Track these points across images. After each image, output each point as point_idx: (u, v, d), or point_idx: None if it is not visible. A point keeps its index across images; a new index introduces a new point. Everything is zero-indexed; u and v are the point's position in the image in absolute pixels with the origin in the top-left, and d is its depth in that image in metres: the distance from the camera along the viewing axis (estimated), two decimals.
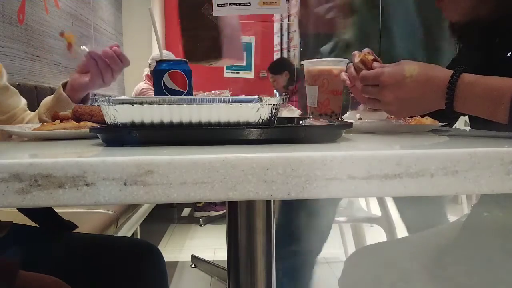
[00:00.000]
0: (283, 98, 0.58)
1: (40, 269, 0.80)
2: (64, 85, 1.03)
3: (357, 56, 0.80)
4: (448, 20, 0.95)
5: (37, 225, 1.03)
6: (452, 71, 0.68)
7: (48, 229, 1.03)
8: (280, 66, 3.89)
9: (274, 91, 3.96)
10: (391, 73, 0.72)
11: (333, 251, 2.66)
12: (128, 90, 3.96)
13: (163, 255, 1.11)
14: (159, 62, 0.92)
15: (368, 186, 0.41)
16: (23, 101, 1.11)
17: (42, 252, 0.95)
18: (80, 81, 1.02)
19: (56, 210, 1.06)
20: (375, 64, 0.77)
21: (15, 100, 1.09)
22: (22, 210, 1.01)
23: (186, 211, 3.73)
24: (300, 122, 0.76)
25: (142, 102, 0.54)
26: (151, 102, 0.54)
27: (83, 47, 1.01)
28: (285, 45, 4.75)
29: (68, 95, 1.01)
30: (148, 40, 4.17)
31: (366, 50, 0.82)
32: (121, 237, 1.34)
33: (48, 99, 1.04)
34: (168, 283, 1.11)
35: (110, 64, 0.99)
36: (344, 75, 0.87)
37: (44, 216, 1.03)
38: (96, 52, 0.98)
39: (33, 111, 1.10)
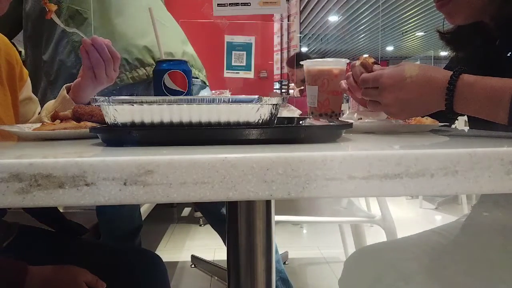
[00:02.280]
0: (283, 98, 0.58)
1: None
2: (68, 89, 1.03)
3: (357, 63, 0.81)
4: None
5: (44, 228, 1.03)
6: (451, 72, 0.69)
7: (57, 233, 1.04)
8: (298, 60, 3.93)
9: (292, 84, 4.02)
10: (391, 74, 0.73)
11: (333, 251, 2.66)
12: None
13: (163, 256, 1.11)
14: (159, 62, 0.92)
15: (368, 186, 0.41)
16: (39, 109, 1.11)
17: (47, 254, 0.95)
18: (76, 82, 1.02)
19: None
20: (376, 66, 0.78)
21: (36, 109, 1.10)
22: (33, 214, 1.02)
23: (186, 211, 3.73)
24: (300, 122, 0.76)
25: (142, 102, 0.54)
26: (151, 102, 0.54)
27: (73, 29, 1.00)
28: (285, 45, 4.75)
29: (71, 98, 1.01)
30: None
31: (365, 55, 0.82)
32: (122, 246, 1.35)
33: (50, 103, 1.04)
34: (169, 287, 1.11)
35: (101, 55, 0.97)
36: (344, 84, 0.87)
37: (54, 220, 1.03)
38: (89, 43, 0.97)
39: None
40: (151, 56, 1.32)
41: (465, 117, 0.94)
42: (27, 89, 1.07)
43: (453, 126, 0.99)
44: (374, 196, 1.75)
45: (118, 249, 1.15)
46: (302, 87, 3.91)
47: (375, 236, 1.90)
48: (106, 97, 0.55)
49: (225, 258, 0.66)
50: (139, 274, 1.02)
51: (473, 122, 0.91)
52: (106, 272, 0.95)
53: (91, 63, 0.98)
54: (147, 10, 0.96)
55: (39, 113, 1.08)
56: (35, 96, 1.11)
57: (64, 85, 1.03)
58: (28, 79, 1.08)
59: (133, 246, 1.38)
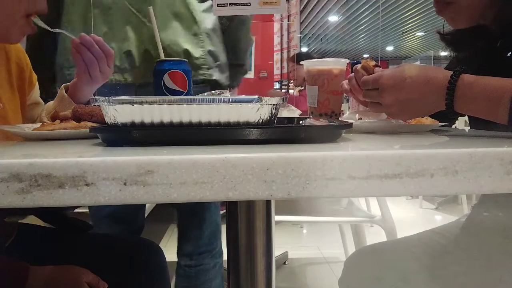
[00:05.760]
0: (283, 98, 0.58)
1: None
2: (66, 88, 1.03)
3: (359, 67, 0.81)
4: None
5: (47, 225, 1.04)
6: (451, 72, 0.69)
7: (59, 230, 1.04)
8: (298, 60, 3.93)
9: (292, 84, 4.03)
10: (390, 75, 0.73)
11: (333, 251, 2.66)
12: None
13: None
14: (159, 62, 0.92)
15: (368, 186, 0.41)
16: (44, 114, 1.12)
17: (48, 251, 0.96)
18: (72, 82, 1.02)
19: None
20: (377, 69, 0.78)
21: (42, 113, 1.10)
22: (37, 213, 1.02)
23: None
24: (300, 122, 0.76)
25: (142, 102, 0.54)
26: (151, 102, 0.54)
27: (57, 30, 0.99)
28: (285, 45, 4.75)
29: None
30: None
31: (366, 56, 0.82)
32: (122, 236, 1.35)
33: (50, 104, 1.05)
34: (169, 279, 1.13)
35: (92, 53, 0.96)
36: (345, 85, 0.87)
37: (59, 219, 1.04)
38: (78, 43, 0.96)
39: None
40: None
41: (465, 117, 0.94)
42: (35, 94, 1.08)
43: (453, 126, 0.99)
44: (374, 196, 1.75)
45: (115, 239, 1.16)
46: (302, 87, 3.91)
47: (375, 236, 1.90)
48: (106, 97, 0.55)
49: (225, 258, 0.66)
50: (138, 262, 1.03)
51: (473, 122, 0.91)
52: (105, 263, 0.95)
53: (85, 64, 0.97)
54: None
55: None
56: (41, 101, 1.11)
57: (63, 85, 1.03)
58: (37, 83, 1.09)
59: (129, 236, 1.38)
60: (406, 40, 13.31)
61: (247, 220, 0.62)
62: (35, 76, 1.07)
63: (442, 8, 0.84)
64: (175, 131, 0.55)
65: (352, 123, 0.61)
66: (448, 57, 1.01)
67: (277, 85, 4.57)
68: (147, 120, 0.55)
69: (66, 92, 1.02)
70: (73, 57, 0.98)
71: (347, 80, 0.87)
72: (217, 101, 0.55)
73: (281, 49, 4.79)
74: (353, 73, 0.83)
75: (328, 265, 2.56)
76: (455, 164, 0.41)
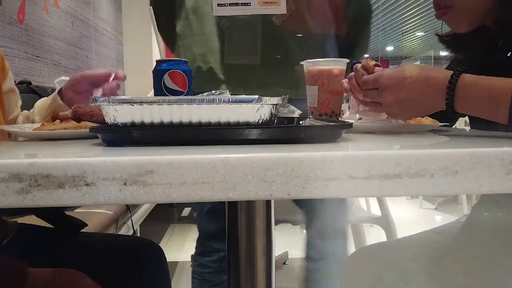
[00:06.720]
0: (283, 98, 0.58)
1: (46, 267, 0.82)
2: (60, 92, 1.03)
3: (359, 66, 0.81)
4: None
5: (46, 225, 1.04)
6: (452, 72, 0.68)
7: (57, 229, 1.04)
8: None
9: None
10: (390, 74, 0.72)
11: None
12: (128, 91, 3.96)
13: None
14: (159, 62, 0.92)
15: (368, 186, 0.41)
16: (20, 101, 1.12)
17: (47, 251, 0.96)
18: (75, 101, 1.02)
19: None
20: (377, 68, 0.78)
21: (18, 100, 1.10)
22: (33, 211, 1.02)
23: (186, 211, 3.73)
24: (300, 122, 0.76)
25: (142, 102, 0.54)
26: (151, 102, 0.54)
27: (61, 78, 1.00)
28: None
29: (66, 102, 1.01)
30: (148, 41, 4.17)
31: (366, 56, 0.82)
32: (123, 235, 1.36)
33: (44, 103, 1.04)
34: (170, 279, 1.13)
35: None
36: (345, 84, 0.87)
37: (54, 216, 1.04)
38: (87, 76, 0.98)
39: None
40: None
41: (465, 117, 0.94)
42: (9, 81, 1.07)
43: (453, 126, 0.99)
44: (374, 196, 1.75)
45: (116, 239, 1.16)
46: None
47: (375, 236, 1.90)
48: (106, 97, 0.55)
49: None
50: (139, 262, 1.04)
51: (473, 122, 0.91)
52: (106, 263, 0.95)
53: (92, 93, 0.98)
54: None
55: (23, 110, 1.07)
56: (16, 88, 1.11)
57: (57, 89, 1.03)
58: (10, 71, 1.08)
59: (130, 236, 1.38)
60: (406, 40, 13.30)
61: (247, 220, 0.62)
62: (7, 65, 1.07)
63: (442, 13, 0.84)
64: (175, 131, 0.55)
65: (352, 123, 0.61)
66: (448, 57, 1.01)
67: None
68: (147, 120, 0.55)
69: (62, 94, 1.01)
70: (82, 83, 0.99)
71: (347, 79, 0.87)
72: (217, 101, 0.55)
73: None
74: (353, 73, 0.83)
75: None
76: (455, 164, 0.41)
